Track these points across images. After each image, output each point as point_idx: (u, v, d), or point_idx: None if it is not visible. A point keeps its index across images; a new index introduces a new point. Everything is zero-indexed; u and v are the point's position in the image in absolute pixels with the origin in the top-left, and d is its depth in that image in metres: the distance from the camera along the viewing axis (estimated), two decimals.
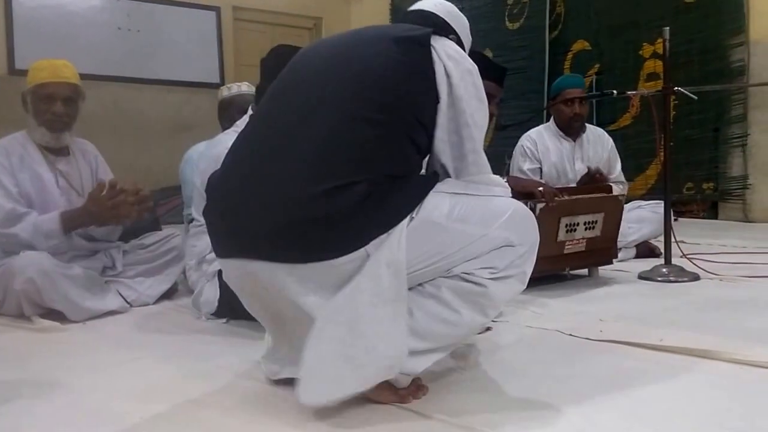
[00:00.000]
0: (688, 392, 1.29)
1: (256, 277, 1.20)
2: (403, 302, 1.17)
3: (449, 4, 1.49)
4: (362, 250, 1.13)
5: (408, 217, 1.17)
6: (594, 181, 2.80)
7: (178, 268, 2.34)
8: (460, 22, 1.46)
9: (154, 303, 2.26)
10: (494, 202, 1.27)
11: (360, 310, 1.14)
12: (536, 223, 1.29)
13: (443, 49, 1.27)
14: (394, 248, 1.15)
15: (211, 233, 1.30)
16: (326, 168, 1.14)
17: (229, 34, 6.54)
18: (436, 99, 1.25)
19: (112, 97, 5.82)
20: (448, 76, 1.25)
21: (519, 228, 1.24)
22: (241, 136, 1.33)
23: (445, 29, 1.38)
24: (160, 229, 2.64)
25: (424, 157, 1.31)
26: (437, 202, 1.22)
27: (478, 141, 1.29)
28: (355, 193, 1.12)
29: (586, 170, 2.92)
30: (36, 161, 2.18)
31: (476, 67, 1.30)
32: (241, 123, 2.05)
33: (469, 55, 1.36)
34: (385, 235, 1.13)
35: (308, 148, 1.17)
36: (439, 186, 1.25)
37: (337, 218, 1.11)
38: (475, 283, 1.22)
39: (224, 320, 1.94)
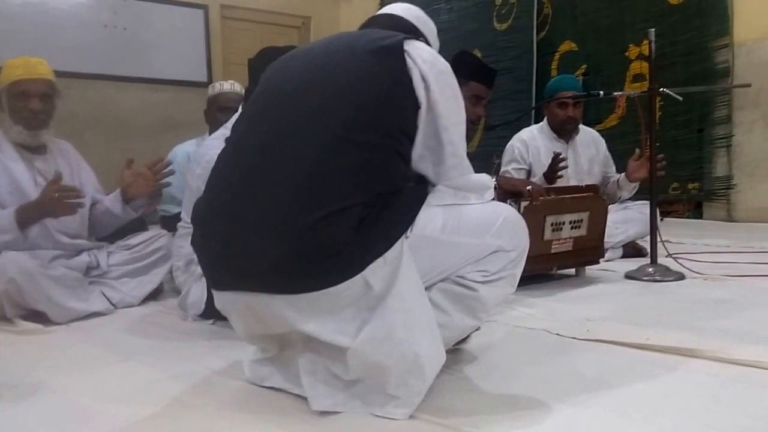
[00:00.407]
0: (673, 391, 1.30)
1: (253, 308, 1.20)
2: (429, 310, 1.22)
3: (417, 8, 1.49)
4: (359, 275, 1.11)
5: (404, 237, 1.17)
6: (555, 164, 2.77)
7: (164, 268, 2.32)
8: (428, 26, 1.47)
9: (140, 304, 2.24)
10: (485, 210, 1.29)
11: (394, 335, 1.14)
12: (527, 228, 1.32)
13: (417, 53, 1.25)
14: (410, 278, 1.16)
15: (203, 264, 1.28)
16: (318, 195, 1.12)
17: (216, 32, 6.51)
18: (416, 106, 1.23)
19: (99, 95, 5.77)
20: (424, 80, 1.23)
21: (510, 234, 1.28)
22: (223, 159, 1.29)
23: (413, 33, 1.37)
24: (147, 230, 2.62)
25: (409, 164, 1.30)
26: (430, 217, 1.23)
27: (457, 143, 1.28)
28: (350, 219, 1.11)
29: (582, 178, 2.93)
30: (11, 159, 2.16)
31: (449, 65, 1.30)
32: (230, 125, 2.03)
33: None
34: (381, 259, 1.12)
35: (297, 174, 1.14)
36: (429, 199, 1.25)
37: (334, 247, 1.10)
38: (467, 287, 1.25)
39: (211, 321, 1.93)
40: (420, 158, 1.27)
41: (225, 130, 2.02)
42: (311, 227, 1.09)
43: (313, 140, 1.16)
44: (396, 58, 1.23)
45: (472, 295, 1.26)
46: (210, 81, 5.97)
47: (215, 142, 2.00)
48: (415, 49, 1.26)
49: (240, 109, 2.06)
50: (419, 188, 1.27)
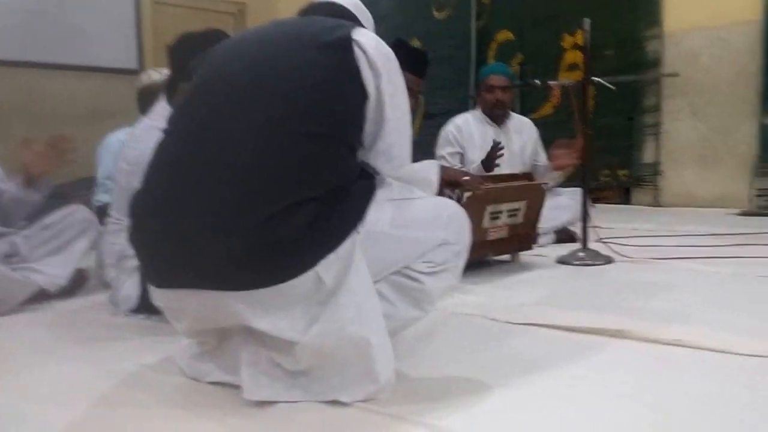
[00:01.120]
0: (602, 370, 1.36)
1: (201, 305, 1.16)
2: (378, 304, 1.22)
3: None
4: (312, 271, 1.10)
5: (355, 232, 1.16)
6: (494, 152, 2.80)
7: (86, 240, 2.21)
8: (365, 16, 1.47)
9: (67, 294, 2.15)
10: (431, 204, 1.35)
11: (345, 330, 1.15)
12: (469, 223, 1.37)
13: (365, 40, 1.24)
14: (360, 273, 1.17)
15: (143, 261, 1.24)
16: (270, 191, 1.10)
17: (147, 17, 6.26)
18: (364, 95, 1.22)
19: (24, 83, 5.46)
20: (372, 68, 1.23)
21: (455, 228, 1.33)
22: (161, 151, 1.24)
23: (353, 22, 1.35)
24: None
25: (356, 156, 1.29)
26: (379, 212, 1.25)
27: (402, 132, 1.29)
28: (303, 215, 1.09)
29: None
30: None
31: (392, 52, 1.29)
32: (161, 110, 1.94)
33: (394, 45, 1.37)
34: (333, 254, 1.11)
35: (247, 169, 1.11)
36: (378, 194, 1.26)
37: (287, 243, 1.08)
38: (413, 279, 1.29)
39: (143, 316, 1.87)
40: (366, 148, 1.27)
41: (150, 122, 1.94)
42: (265, 222, 1.07)
43: (260, 135, 1.14)
44: (343, 48, 1.21)
45: (418, 288, 1.30)
46: (141, 68, 5.74)
47: (142, 135, 1.92)
48: (362, 36, 1.25)
49: (162, 97, 1.98)
50: (368, 183, 1.26)
